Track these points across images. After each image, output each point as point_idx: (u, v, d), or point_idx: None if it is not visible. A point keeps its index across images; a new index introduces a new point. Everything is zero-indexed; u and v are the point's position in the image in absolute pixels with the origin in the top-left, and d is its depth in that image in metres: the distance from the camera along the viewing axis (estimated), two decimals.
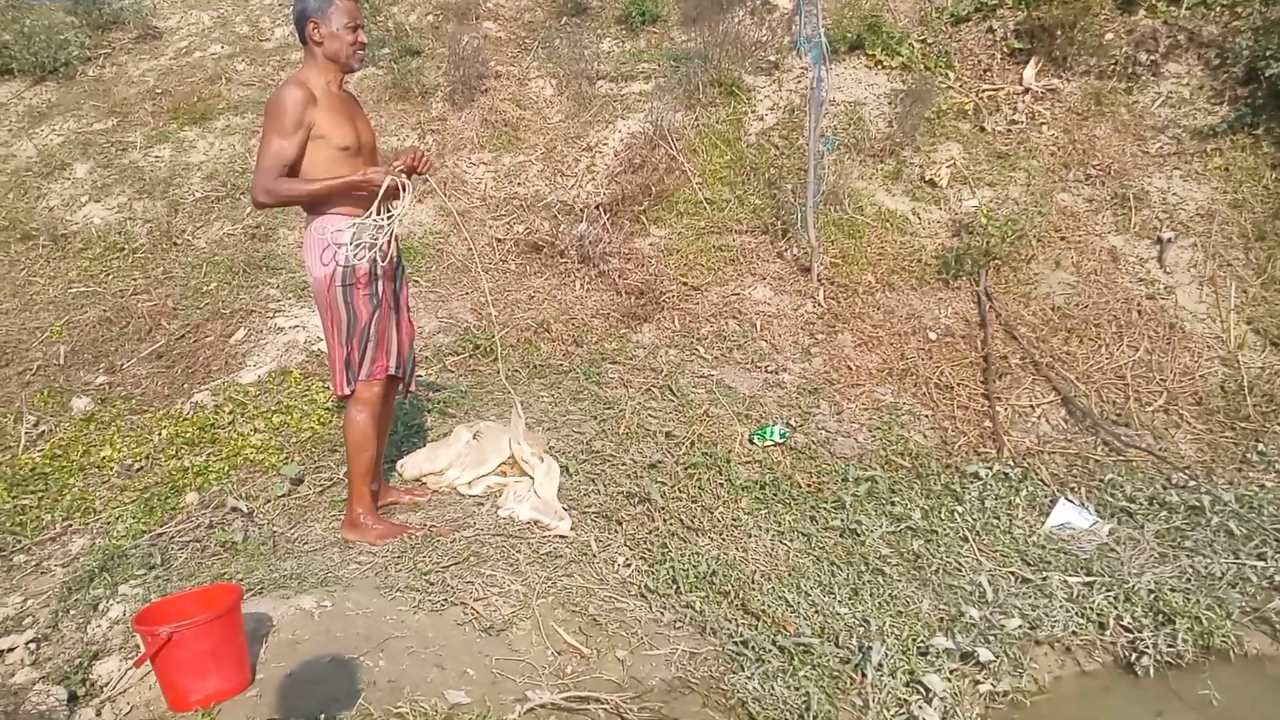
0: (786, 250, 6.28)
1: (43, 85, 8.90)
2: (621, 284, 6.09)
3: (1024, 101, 7.00)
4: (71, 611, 3.54)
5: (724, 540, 4.04)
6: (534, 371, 5.44)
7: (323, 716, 2.79)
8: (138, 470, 4.71)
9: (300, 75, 3.55)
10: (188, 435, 4.90)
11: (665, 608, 3.59)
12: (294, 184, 3.46)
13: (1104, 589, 3.83)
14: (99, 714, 2.97)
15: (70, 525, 4.30)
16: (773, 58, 7.85)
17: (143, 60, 9.28)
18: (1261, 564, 3.95)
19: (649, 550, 3.90)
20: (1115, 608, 3.73)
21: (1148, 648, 3.55)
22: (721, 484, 4.43)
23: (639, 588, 3.67)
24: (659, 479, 4.37)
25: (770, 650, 3.39)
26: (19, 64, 8.89)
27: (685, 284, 6.12)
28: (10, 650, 3.32)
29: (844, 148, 6.87)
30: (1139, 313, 5.58)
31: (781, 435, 4.82)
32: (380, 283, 3.68)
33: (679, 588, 3.68)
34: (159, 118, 8.31)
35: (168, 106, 8.41)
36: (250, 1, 10.48)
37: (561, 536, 3.88)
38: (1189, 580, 3.88)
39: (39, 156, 7.95)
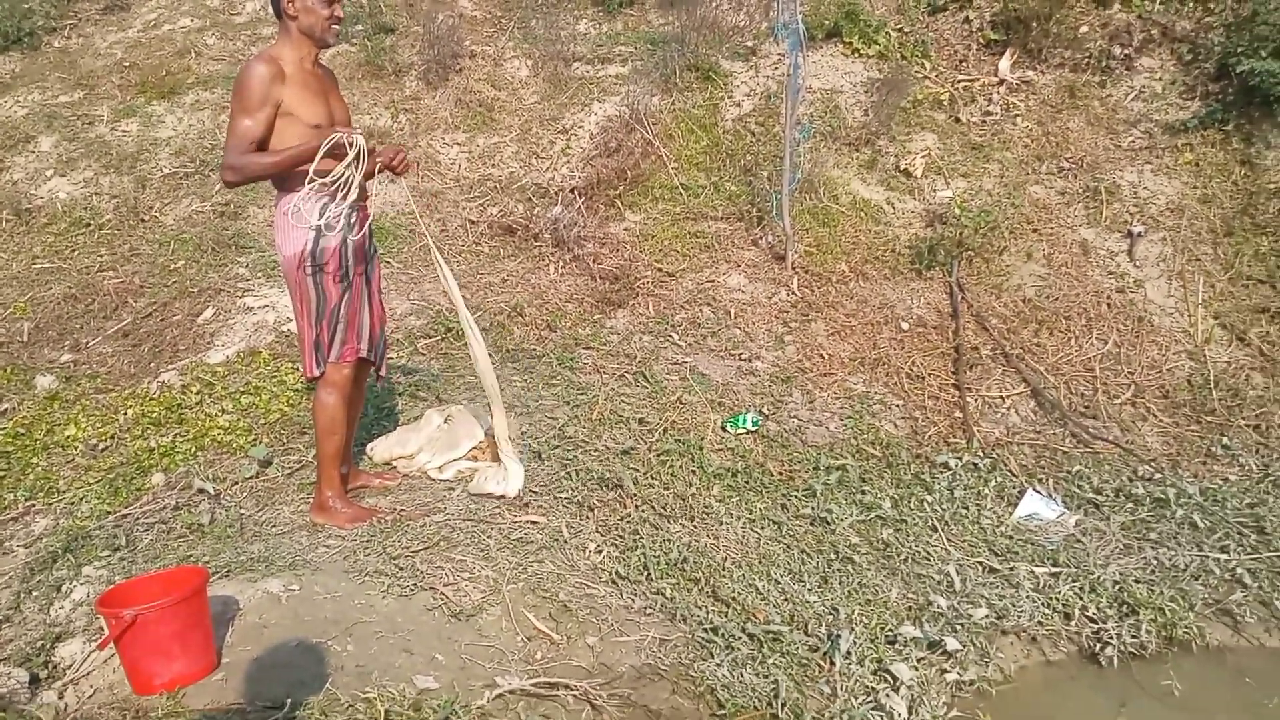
0: (762, 238, 6.28)
1: (6, 55, 8.70)
2: (596, 269, 6.06)
3: (999, 93, 7.03)
4: (34, 593, 3.50)
5: (695, 527, 4.05)
6: (507, 356, 5.40)
7: (289, 701, 2.77)
8: (103, 450, 4.64)
9: (272, 51, 3.50)
10: (154, 415, 4.83)
11: (636, 594, 3.59)
12: (258, 157, 3.40)
13: (1070, 580, 3.87)
14: (61, 697, 2.93)
15: (33, 505, 4.23)
16: (750, 43, 7.82)
17: (110, 32, 9.10)
18: (1224, 556, 4.01)
19: (620, 537, 3.89)
20: (1081, 598, 3.78)
21: (1112, 638, 3.60)
22: (693, 471, 4.43)
23: (610, 574, 3.67)
24: (631, 466, 4.36)
25: (740, 637, 3.40)
26: None
27: (660, 270, 6.10)
28: None
29: (820, 136, 6.87)
30: (1108, 306, 5.63)
31: (754, 423, 4.83)
32: (350, 264, 3.64)
33: (650, 574, 3.68)
34: (126, 91, 8.16)
35: (135, 80, 8.26)
36: None
37: (532, 521, 3.87)
38: (1153, 572, 3.94)
39: (2, 129, 7.78)
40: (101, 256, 6.44)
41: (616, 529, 3.94)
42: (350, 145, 3.44)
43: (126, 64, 8.51)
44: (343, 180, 3.48)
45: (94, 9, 9.38)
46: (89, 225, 6.75)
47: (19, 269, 6.37)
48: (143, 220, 6.83)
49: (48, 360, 5.48)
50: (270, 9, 3.59)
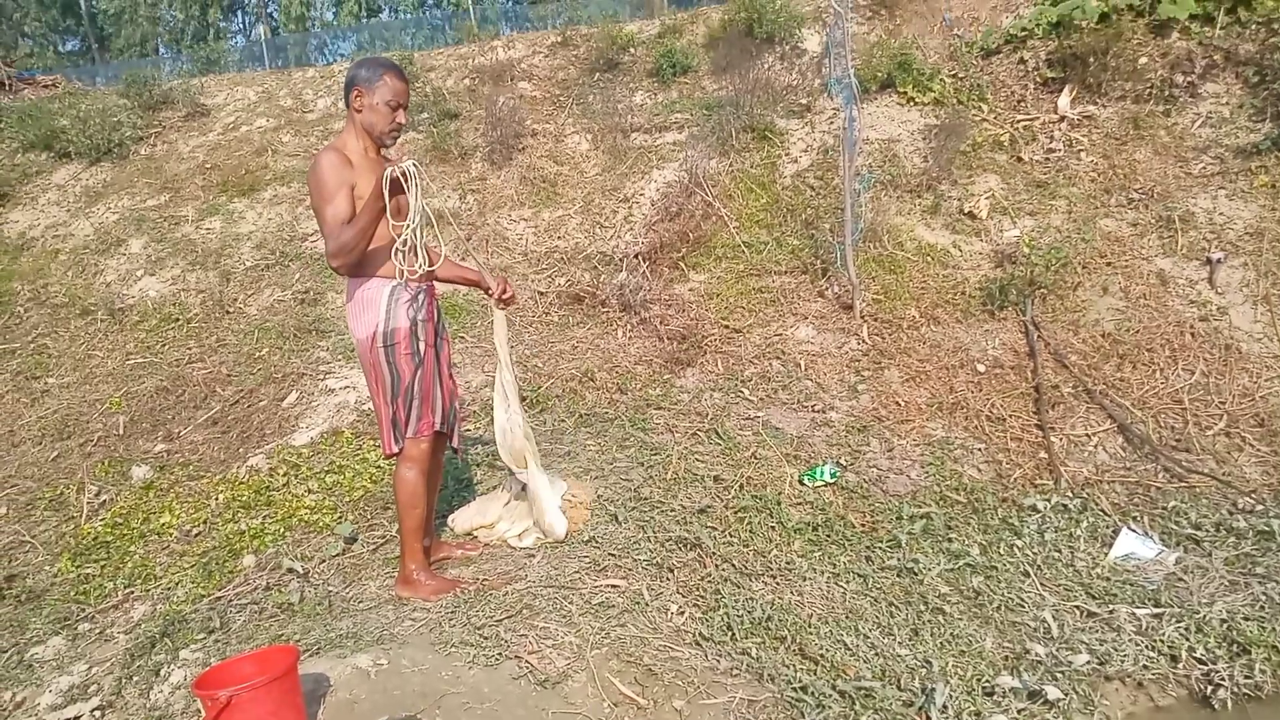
0: (827, 289, 6.27)
1: (98, 166, 9.23)
2: (663, 330, 6.11)
3: (1060, 130, 6.96)
4: (134, 678, 3.58)
5: (778, 584, 3.99)
6: (580, 421, 5.45)
7: None
8: (196, 535, 4.79)
9: (337, 142, 3.65)
10: (244, 499, 4.98)
11: (721, 655, 3.54)
12: (349, 231, 3.46)
13: (1174, 620, 3.71)
14: None
15: (132, 592, 4.37)
16: (804, 100, 7.91)
17: (192, 137, 9.60)
18: None
19: (702, 597, 3.86)
20: (1187, 639, 3.61)
21: (1223, 680, 3.43)
22: (773, 526, 4.39)
23: (693, 636, 3.63)
24: (709, 524, 4.34)
25: (830, 695, 3.32)
26: (75, 147, 9.24)
27: (727, 327, 6.12)
28: (77, 718, 3.37)
29: (880, 185, 6.87)
30: (1192, 335, 5.46)
31: (832, 475, 4.77)
32: (422, 341, 3.74)
33: (734, 634, 3.63)
34: (209, 191, 8.57)
35: (217, 180, 8.68)
36: (293, 76, 10.82)
37: (613, 585, 3.86)
38: (1263, 608, 3.74)
39: (96, 234, 8.22)
40: (190, 349, 6.71)
41: (698, 589, 3.90)
42: (408, 177, 3.45)
43: (208, 165, 8.96)
44: (410, 225, 3.53)
45: (177, 116, 9.91)
46: (178, 320, 7.06)
47: (114, 366, 6.67)
48: (228, 312, 7.11)
49: (143, 451, 5.70)
50: (343, 99, 3.75)
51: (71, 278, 7.76)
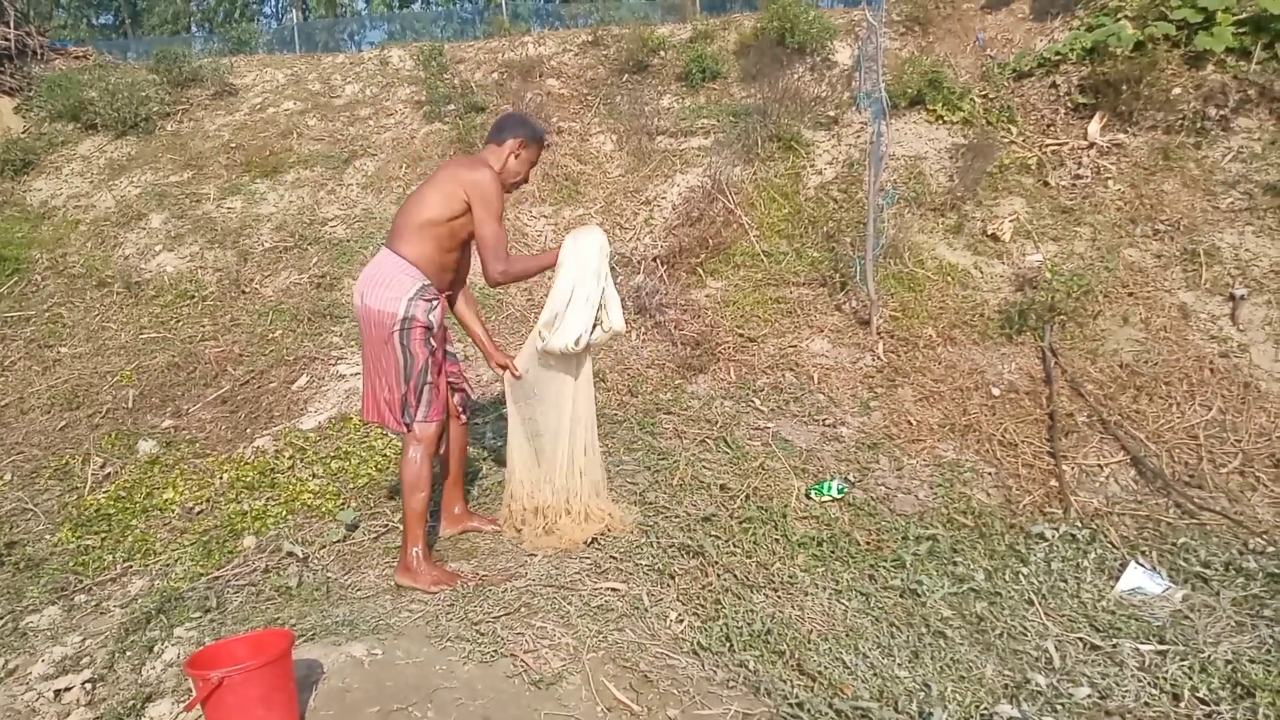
0: (845, 303, 6.23)
1: (124, 139, 9.25)
2: (677, 335, 6.08)
3: (1089, 156, 6.91)
4: (128, 653, 3.58)
5: (779, 597, 3.95)
6: None
7: None
8: (198, 513, 4.78)
9: (494, 166, 3.93)
10: (248, 479, 4.97)
11: (718, 666, 3.50)
12: (523, 261, 4.03)
13: (1178, 658, 3.65)
14: None
15: (130, 566, 4.37)
16: (832, 113, 7.87)
17: (218, 115, 9.62)
18: None
19: (702, 606, 3.82)
20: (1190, 678, 3.55)
21: None
22: (777, 539, 4.35)
23: (691, 644, 3.59)
24: (713, 532, 4.30)
25: (826, 713, 3.28)
26: (102, 119, 9.28)
27: (741, 335, 6.09)
28: (67, 689, 3.36)
29: (904, 201, 6.83)
30: (1211, 371, 5.40)
31: (839, 490, 4.73)
32: (435, 327, 3.79)
33: (732, 646, 3.59)
34: (232, 170, 8.59)
35: (241, 160, 8.69)
36: (322, 61, 10.83)
37: (613, 588, 3.83)
38: (1269, 651, 3.68)
39: (117, 207, 8.24)
40: (204, 327, 6.72)
41: (698, 598, 3.87)
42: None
43: (233, 145, 8.97)
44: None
45: (204, 95, 9.94)
46: (193, 297, 7.06)
47: (127, 339, 6.68)
48: (243, 292, 7.11)
49: (150, 426, 5.70)
50: (494, 132, 4.05)
51: (90, 249, 7.78)
